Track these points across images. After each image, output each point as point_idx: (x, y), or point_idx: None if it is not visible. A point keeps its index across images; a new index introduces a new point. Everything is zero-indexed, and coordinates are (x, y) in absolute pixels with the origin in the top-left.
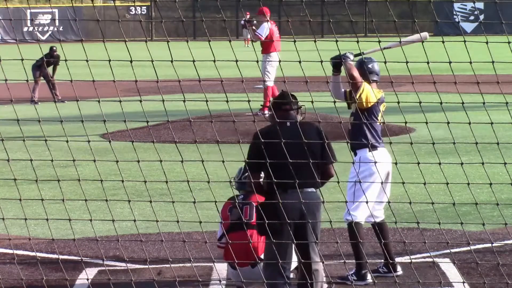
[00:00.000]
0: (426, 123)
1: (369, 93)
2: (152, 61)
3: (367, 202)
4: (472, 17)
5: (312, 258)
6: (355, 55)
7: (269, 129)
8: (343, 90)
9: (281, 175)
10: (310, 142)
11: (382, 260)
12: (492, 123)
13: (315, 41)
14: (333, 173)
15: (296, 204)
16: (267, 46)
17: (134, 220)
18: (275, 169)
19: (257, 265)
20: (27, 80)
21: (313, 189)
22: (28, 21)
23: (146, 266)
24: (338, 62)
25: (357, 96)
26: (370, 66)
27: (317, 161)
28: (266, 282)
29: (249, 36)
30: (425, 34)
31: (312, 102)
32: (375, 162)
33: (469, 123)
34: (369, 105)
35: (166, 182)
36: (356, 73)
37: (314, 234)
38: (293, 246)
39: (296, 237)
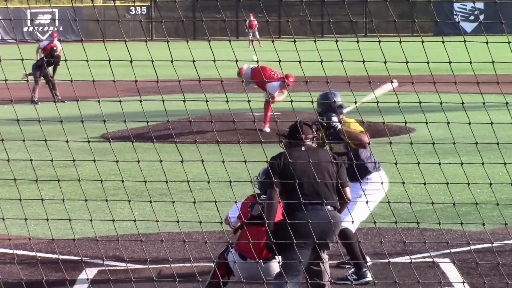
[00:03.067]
0: (426, 123)
1: (361, 133)
2: (152, 61)
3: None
4: (472, 17)
5: (323, 270)
6: (338, 112)
7: (288, 151)
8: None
9: (299, 195)
10: (327, 166)
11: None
12: (492, 123)
13: (315, 41)
14: (349, 196)
15: (316, 221)
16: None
17: (134, 220)
18: (293, 190)
19: (269, 262)
20: (27, 80)
21: (331, 208)
22: (28, 21)
23: (146, 266)
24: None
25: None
26: (338, 105)
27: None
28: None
29: (251, 37)
30: (395, 83)
31: (312, 102)
32: (382, 182)
33: (469, 123)
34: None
35: (166, 182)
36: (358, 135)
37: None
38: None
39: (313, 252)
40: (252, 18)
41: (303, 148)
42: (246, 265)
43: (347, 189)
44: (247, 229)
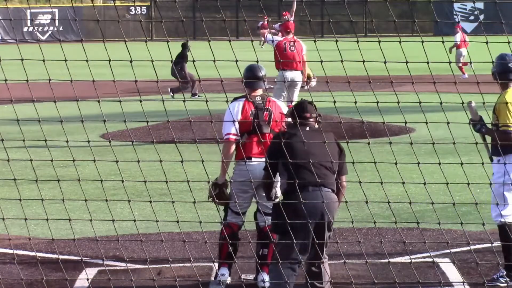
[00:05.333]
0: (426, 123)
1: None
2: (152, 61)
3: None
4: (472, 17)
5: (323, 257)
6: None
7: (291, 131)
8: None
9: (301, 174)
10: (329, 148)
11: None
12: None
13: (315, 41)
14: (345, 184)
15: (317, 202)
16: (276, 62)
17: (134, 220)
18: (295, 169)
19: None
20: (27, 80)
21: (330, 190)
22: (28, 21)
23: (146, 266)
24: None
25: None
26: (510, 65)
27: (334, 161)
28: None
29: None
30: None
31: (312, 102)
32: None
33: (469, 123)
34: None
35: (166, 182)
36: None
37: (329, 234)
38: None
39: (313, 235)
40: (266, 19)
41: (307, 129)
42: (248, 167)
43: (344, 177)
44: (250, 138)
